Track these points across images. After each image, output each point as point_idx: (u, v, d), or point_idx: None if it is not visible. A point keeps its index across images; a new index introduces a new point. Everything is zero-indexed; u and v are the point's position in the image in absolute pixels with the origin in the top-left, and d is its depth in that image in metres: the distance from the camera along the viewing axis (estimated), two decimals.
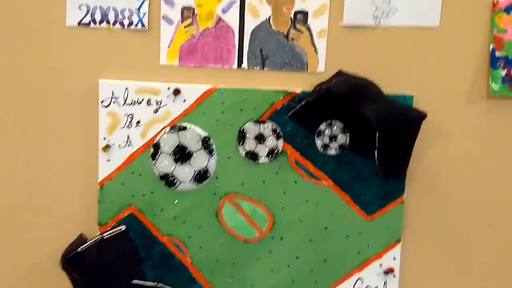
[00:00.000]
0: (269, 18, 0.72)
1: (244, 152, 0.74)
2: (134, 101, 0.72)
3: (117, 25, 0.72)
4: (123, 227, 0.74)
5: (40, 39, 0.73)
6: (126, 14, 0.71)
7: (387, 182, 0.74)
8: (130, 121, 0.72)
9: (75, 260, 0.72)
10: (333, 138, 0.74)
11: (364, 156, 0.74)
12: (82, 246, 0.72)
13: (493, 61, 0.72)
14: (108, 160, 0.73)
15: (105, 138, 0.73)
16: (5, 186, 0.75)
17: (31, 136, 0.74)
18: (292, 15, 0.72)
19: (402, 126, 0.69)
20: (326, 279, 0.76)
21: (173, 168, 0.73)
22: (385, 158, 0.71)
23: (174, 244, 0.75)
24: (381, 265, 0.76)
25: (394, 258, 0.76)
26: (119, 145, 0.73)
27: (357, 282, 0.76)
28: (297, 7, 0.72)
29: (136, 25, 0.72)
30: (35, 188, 0.75)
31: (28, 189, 0.75)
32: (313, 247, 0.75)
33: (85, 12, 0.72)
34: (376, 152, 0.71)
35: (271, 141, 0.73)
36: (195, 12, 0.72)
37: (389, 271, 0.76)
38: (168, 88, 0.72)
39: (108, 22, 0.72)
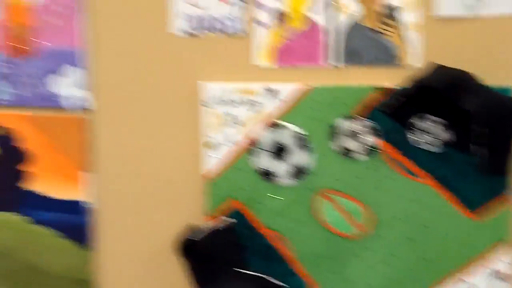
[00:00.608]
0: (359, 14, 0.73)
1: (339, 149, 0.75)
2: (233, 102, 0.78)
3: (214, 31, 0.79)
4: (233, 220, 0.80)
5: (147, 47, 0.82)
6: (222, 20, 0.78)
7: (491, 179, 0.70)
8: (230, 120, 0.79)
9: (188, 247, 0.79)
10: (430, 133, 0.72)
11: (465, 152, 0.71)
12: (194, 235, 0.79)
13: None
14: (212, 156, 0.80)
15: (207, 136, 0.80)
16: (125, 179, 0.86)
17: (145, 136, 0.85)
18: (382, 9, 0.72)
19: (505, 118, 0.65)
20: (427, 279, 0.74)
21: (271, 165, 0.78)
22: (488, 153, 0.67)
23: (274, 237, 0.79)
24: (487, 267, 0.72)
25: (502, 260, 0.71)
26: (221, 143, 0.79)
27: (460, 283, 0.73)
28: (387, 0, 0.72)
29: (231, 30, 0.78)
30: (151, 182, 0.85)
31: (146, 183, 0.86)
32: (413, 245, 0.74)
33: (184, 21, 0.80)
34: (477, 147, 0.68)
35: (365, 137, 0.74)
36: (286, 14, 0.76)
37: (497, 274, 0.71)
38: (264, 88, 0.77)
39: (205, 28, 0.79)
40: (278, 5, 0.76)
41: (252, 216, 0.79)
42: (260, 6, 0.77)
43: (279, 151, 0.77)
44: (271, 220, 0.79)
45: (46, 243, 0.91)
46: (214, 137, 0.80)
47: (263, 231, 0.79)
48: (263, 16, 0.77)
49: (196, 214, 0.82)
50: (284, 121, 0.77)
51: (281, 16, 0.76)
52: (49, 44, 0.86)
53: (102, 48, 0.84)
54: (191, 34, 0.80)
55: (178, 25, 0.80)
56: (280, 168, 0.78)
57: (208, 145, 0.80)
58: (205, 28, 0.79)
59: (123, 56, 0.84)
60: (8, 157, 0.91)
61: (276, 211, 0.78)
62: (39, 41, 0.86)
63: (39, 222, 0.91)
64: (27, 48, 0.86)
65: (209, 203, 0.81)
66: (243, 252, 0.80)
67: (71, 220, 0.89)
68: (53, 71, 0.86)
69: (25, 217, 0.92)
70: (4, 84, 0.89)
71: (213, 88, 0.79)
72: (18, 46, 0.86)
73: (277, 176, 0.78)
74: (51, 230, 0.90)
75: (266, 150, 0.78)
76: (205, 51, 0.80)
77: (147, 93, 0.84)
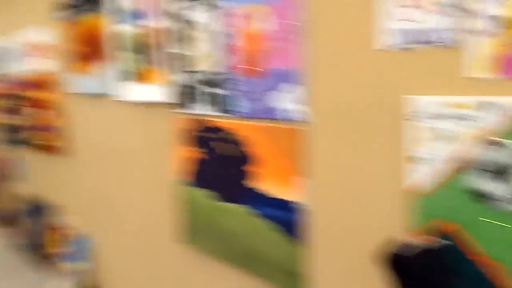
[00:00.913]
0: None
1: None
2: (443, 116, 0.73)
3: (422, 44, 0.75)
4: (448, 242, 0.75)
5: (356, 65, 0.85)
6: (433, 32, 0.73)
7: None
8: (438, 135, 0.74)
9: (397, 261, 0.79)
10: None
11: None
12: (405, 251, 0.78)
13: None
14: (416, 171, 0.77)
15: (411, 150, 0.77)
16: (335, 185, 0.91)
17: (352, 147, 0.87)
18: None
19: None
20: None
21: (489, 186, 0.70)
22: None
23: (491, 267, 0.71)
24: None
25: None
26: (427, 158, 0.75)
27: None
28: None
29: (441, 42, 0.73)
30: (356, 190, 0.88)
31: (352, 191, 0.88)
32: None
33: (392, 36, 0.78)
34: None
35: None
36: (506, 22, 0.67)
37: None
38: (481, 102, 0.69)
39: (411, 42, 0.76)
40: (500, 11, 0.67)
41: (465, 240, 0.73)
42: (478, 14, 0.69)
43: (501, 172, 0.69)
44: (490, 248, 0.70)
45: (264, 234, 1.03)
46: (419, 152, 0.76)
47: (477, 258, 0.71)
48: (482, 25, 0.69)
49: (397, 227, 0.81)
50: (506, 138, 0.68)
51: (504, 23, 0.67)
52: (275, 64, 0.97)
53: (318, 68, 0.90)
54: (400, 49, 0.78)
55: (386, 41, 0.80)
56: (500, 190, 0.69)
57: (412, 160, 0.77)
58: (413, 41, 0.76)
59: (335, 74, 0.88)
60: (240, 159, 1.07)
61: (498, 238, 0.70)
62: (267, 62, 0.97)
63: (260, 215, 1.03)
64: (258, 69, 0.99)
65: (413, 219, 0.78)
66: (452, 277, 0.74)
67: (287, 217, 0.98)
68: (278, 88, 0.97)
69: (249, 209, 1.05)
70: (243, 99, 1.04)
71: (421, 102, 0.76)
72: (252, 68, 1.00)
73: (497, 200, 0.69)
74: (270, 223, 1.02)
75: (485, 170, 0.70)
76: (412, 64, 0.78)
77: (355, 107, 0.86)
